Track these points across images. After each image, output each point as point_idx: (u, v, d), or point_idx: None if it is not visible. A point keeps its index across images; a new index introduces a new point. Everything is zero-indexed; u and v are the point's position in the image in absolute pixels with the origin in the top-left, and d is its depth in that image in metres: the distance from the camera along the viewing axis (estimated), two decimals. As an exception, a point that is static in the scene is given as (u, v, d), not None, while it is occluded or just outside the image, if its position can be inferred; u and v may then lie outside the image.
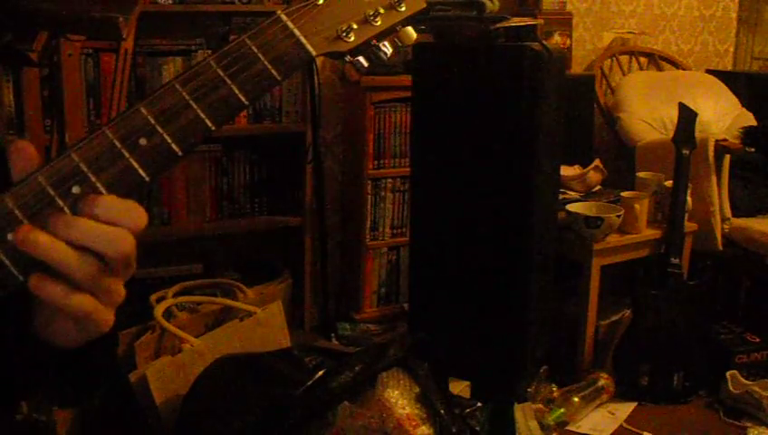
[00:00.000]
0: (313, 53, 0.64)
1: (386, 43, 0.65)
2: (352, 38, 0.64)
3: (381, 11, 0.63)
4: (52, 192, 0.59)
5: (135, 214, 0.59)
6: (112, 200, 0.59)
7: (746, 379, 2.53)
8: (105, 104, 2.58)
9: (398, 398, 1.91)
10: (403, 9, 0.64)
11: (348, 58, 0.65)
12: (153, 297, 2.37)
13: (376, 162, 3.00)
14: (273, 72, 0.63)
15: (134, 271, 0.62)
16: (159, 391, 1.99)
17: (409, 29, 0.65)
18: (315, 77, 2.73)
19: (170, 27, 2.73)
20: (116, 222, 0.59)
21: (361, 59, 0.65)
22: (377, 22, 0.63)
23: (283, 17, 0.63)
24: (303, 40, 0.63)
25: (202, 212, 2.91)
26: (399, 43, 0.66)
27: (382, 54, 0.65)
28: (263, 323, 2.31)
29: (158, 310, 2.21)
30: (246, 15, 2.75)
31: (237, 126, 2.85)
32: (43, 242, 0.57)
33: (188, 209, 2.88)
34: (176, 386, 2.01)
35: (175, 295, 2.40)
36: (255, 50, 0.62)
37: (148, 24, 2.50)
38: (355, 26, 0.63)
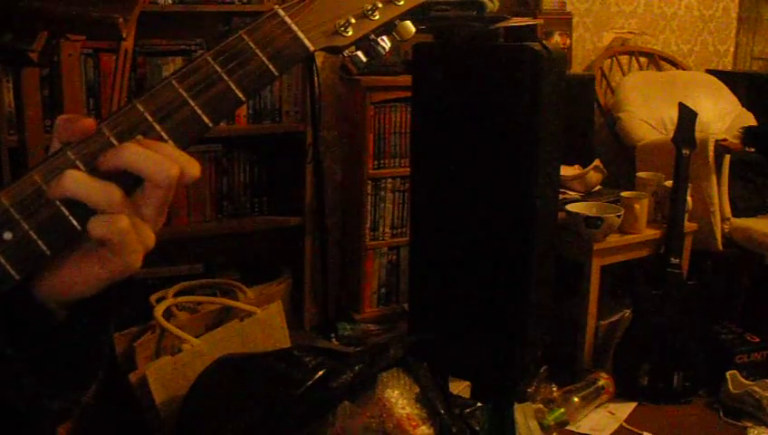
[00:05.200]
0: (311, 48, 0.63)
1: (384, 37, 0.65)
2: (350, 32, 0.63)
3: (379, 5, 0.63)
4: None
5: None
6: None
7: (746, 379, 2.52)
8: (105, 104, 2.58)
9: (398, 398, 1.91)
10: (401, 3, 0.63)
11: (346, 53, 0.65)
12: (153, 297, 2.37)
13: (376, 162, 3.00)
14: (270, 67, 0.62)
15: (161, 222, 0.61)
16: (159, 391, 1.99)
17: (408, 23, 0.65)
18: (315, 77, 2.73)
19: (170, 27, 2.74)
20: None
21: (360, 54, 0.65)
22: (375, 16, 0.63)
23: (281, 12, 0.62)
24: (301, 35, 0.63)
25: (202, 212, 2.91)
26: (398, 38, 0.65)
27: (380, 49, 0.65)
28: (263, 323, 2.31)
29: (158, 310, 2.21)
30: (246, 15, 2.75)
31: (237, 126, 2.85)
32: (68, 175, 0.57)
33: (188, 209, 2.88)
34: (176, 386, 2.01)
35: (175, 295, 2.40)
36: (253, 45, 0.62)
37: (148, 24, 2.50)
38: (353, 21, 0.63)
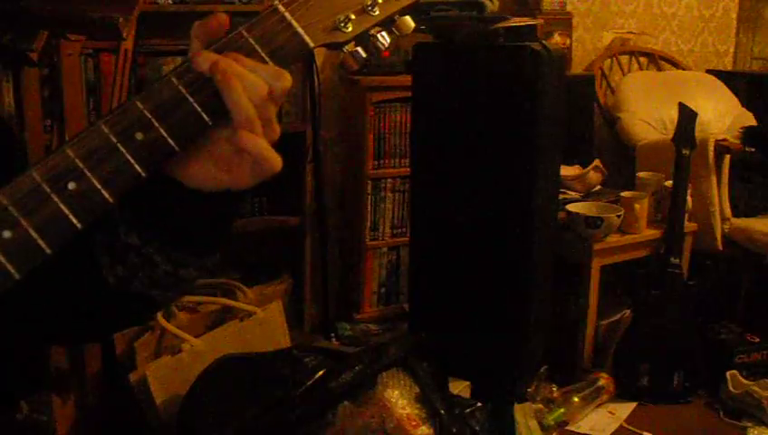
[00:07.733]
0: (311, 45, 0.63)
1: (384, 33, 0.65)
2: (350, 28, 0.63)
3: (379, 0, 0.63)
4: (47, 189, 0.59)
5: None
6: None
7: (746, 379, 2.52)
8: (105, 104, 2.58)
9: (398, 398, 1.91)
10: (401, -2, 0.64)
11: (346, 49, 0.65)
12: (153, 297, 2.37)
13: (376, 162, 2.99)
14: (271, 64, 0.62)
15: (274, 134, 0.67)
16: (159, 391, 1.99)
17: (407, 18, 0.65)
18: (315, 77, 2.73)
19: (170, 27, 2.73)
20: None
21: (360, 49, 0.65)
22: (375, 12, 0.63)
23: (281, 8, 0.62)
24: (301, 31, 0.63)
25: (202, 212, 2.90)
26: (398, 33, 0.65)
27: (380, 45, 0.65)
28: (263, 323, 2.31)
29: (158, 310, 2.20)
30: (246, 15, 2.74)
31: (237, 126, 2.84)
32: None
33: (188, 209, 2.87)
34: (176, 386, 2.00)
35: (175, 295, 2.40)
36: (253, 42, 0.62)
37: (148, 24, 2.50)
38: (353, 16, 0.63)
